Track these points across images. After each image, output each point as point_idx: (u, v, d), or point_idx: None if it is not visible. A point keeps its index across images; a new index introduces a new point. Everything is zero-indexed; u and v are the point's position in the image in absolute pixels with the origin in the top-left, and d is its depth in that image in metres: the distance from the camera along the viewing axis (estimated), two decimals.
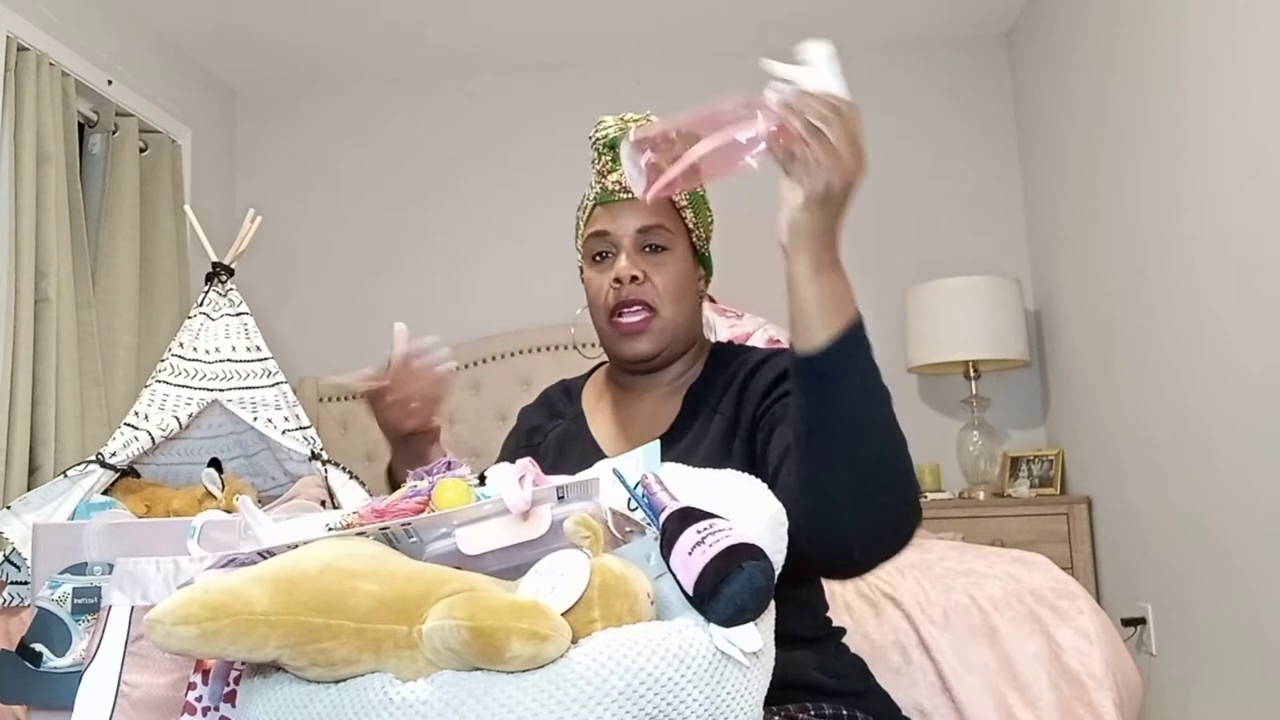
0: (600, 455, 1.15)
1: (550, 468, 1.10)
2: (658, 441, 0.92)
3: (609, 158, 1.19)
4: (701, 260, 1.24)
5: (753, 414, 1.09)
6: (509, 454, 1.32)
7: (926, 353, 3.07)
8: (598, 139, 1.21)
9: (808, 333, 0.88)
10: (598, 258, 1.20)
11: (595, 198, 1.21)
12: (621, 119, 1.20)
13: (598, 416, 1.26)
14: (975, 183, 3.40)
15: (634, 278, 1.14)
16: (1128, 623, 2.58)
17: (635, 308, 1.15)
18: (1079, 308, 2.95)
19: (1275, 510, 1.97)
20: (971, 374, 3.11)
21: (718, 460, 0.98)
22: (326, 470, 1.85)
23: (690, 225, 1.20)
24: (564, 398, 1.33)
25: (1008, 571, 1.68)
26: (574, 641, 0.67)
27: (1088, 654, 1.54)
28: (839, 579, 1.41)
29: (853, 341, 0.88)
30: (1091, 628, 1.56)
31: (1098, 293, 2.80)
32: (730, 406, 1.12)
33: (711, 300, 2.57)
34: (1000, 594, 1.61)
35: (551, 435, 1.28)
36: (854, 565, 0.95)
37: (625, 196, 1.16)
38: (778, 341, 2.75)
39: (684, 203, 1.19)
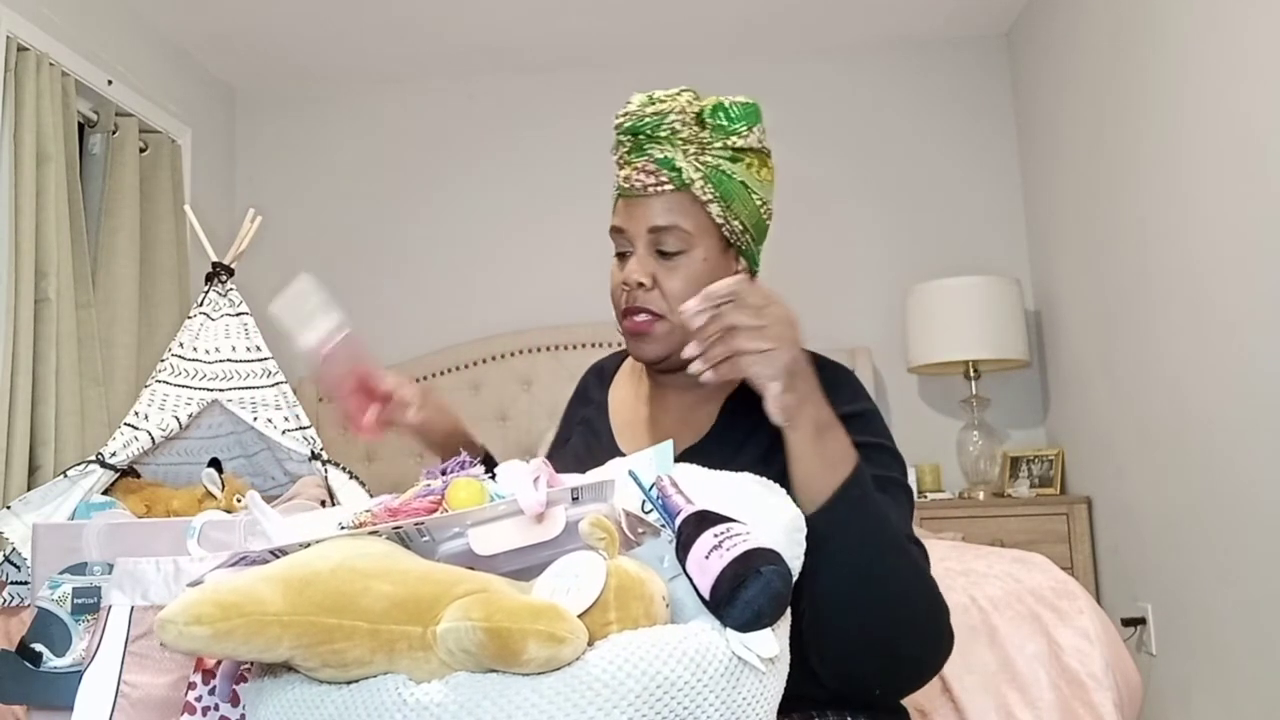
0: (617, 452, 1.11)
1: (575, 461, 1.08)
2: (670, 442, 0.91)
3: (627, 146, 1.09)
4: (741, 253, 1.12)
5: None
6: (568, 425, 1.29)
7: (926, 353, 3.08)
8: (619, 123, 1.10)
9: (812, 491, 0.91)
10: (620, 253, 1.13)
11: (616, 189, 1.12)
12: (650, 96, 1.09)
13: (622, 410, 1.21)
14: (975, 183, 3.41)
15: (640, 284, 1.08)
16: (1128, 623, 2.58)
17: (641, 315, 1.09)
18: (1079, 308, 2.95)
19: (1275, 510, 1.97)
20: (971, 374, 3.11)
21: (758, 470, 0.93)
22: (326, 470, 1.84)
23: (718, 219, 1.08)
24: (596, 381, 1.28)
25: (1008, 571, 1.67)
26: (590, 644, 0.67)
27: (1088, 654, 1.53)
28: None
29: (857, 487, 0.91)
30: (1091, 628, 1.56)
31: (1098, 293, 2.80)
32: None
33: None
34: (1000, 594, 1.61)
35: (577, 426, 1.24)
36: (879, 697, 0.99)
37: (638, 193, 1.08)
38: None
39: (708, 196, 1.07)
